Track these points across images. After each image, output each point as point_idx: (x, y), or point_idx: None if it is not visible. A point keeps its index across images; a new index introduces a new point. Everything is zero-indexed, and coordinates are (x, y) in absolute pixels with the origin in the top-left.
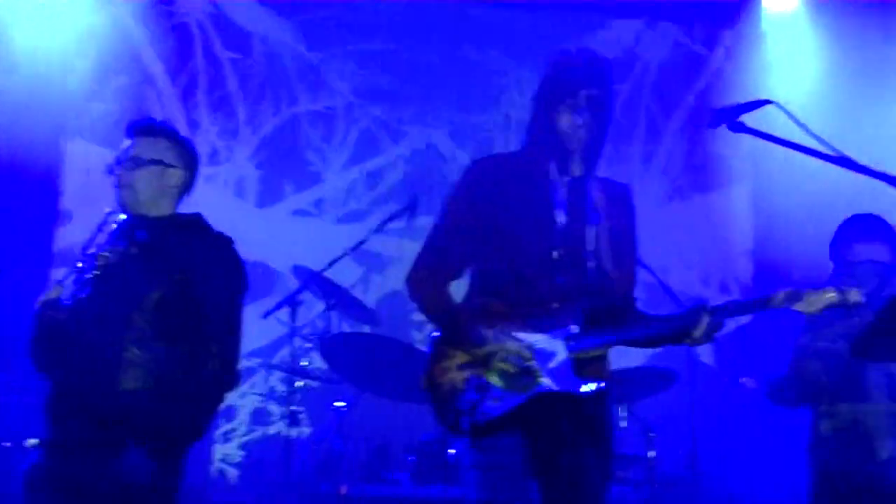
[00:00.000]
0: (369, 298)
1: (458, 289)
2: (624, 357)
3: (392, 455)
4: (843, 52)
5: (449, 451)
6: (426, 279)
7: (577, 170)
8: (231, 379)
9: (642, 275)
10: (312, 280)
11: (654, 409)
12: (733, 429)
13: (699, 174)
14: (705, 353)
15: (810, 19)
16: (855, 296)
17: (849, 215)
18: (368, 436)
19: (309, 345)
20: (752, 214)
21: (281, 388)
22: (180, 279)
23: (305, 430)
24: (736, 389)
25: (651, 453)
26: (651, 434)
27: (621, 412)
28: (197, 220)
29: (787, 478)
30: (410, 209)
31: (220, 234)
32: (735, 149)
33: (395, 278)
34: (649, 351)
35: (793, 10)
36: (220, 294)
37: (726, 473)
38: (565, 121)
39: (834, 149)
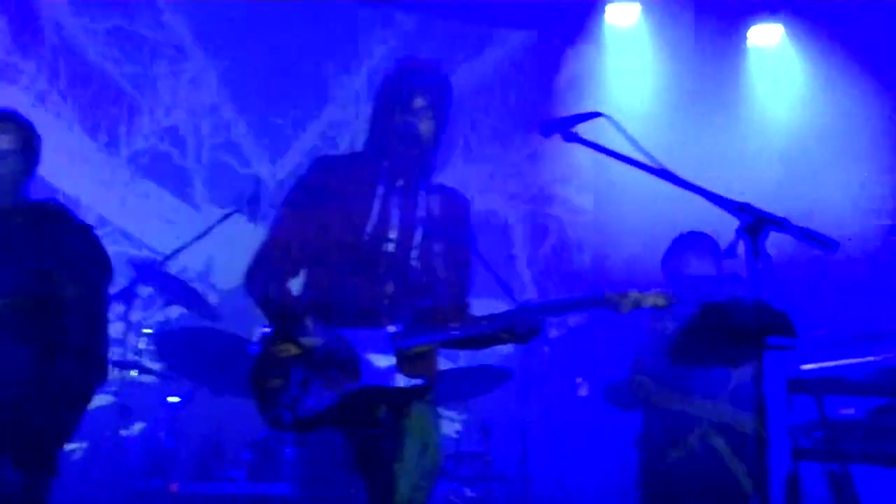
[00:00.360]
0: (215, 292)
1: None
2: (461, 356)
3: (228, 452)
4: (680, 67)
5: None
6: (264, 274)
7: (411, 174)
8: (98, 374)
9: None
10: (149, 273)
11: (488, 407)
12: (564, 426)
13: (544, 178)
14: (539, 352)
15: (650, 34)
16: (661, 300)
17: (677, 224)
18: (205, 432)
19: (144, 340)
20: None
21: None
22: (36, 273)
23: (137, 427)
24: (569, 388)
25: (485, 450)
26: (485, 431)
27: (458, 410)
28: (52, 207)
29: (616, 474)
30: (252, 201)
31: (79, 222)
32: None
33: (240, 272)
34: (487, 350)
35: (633, 25)
36: (81, 286)
37: (556, 470)
38: (401, 127)
39: (657, 162)
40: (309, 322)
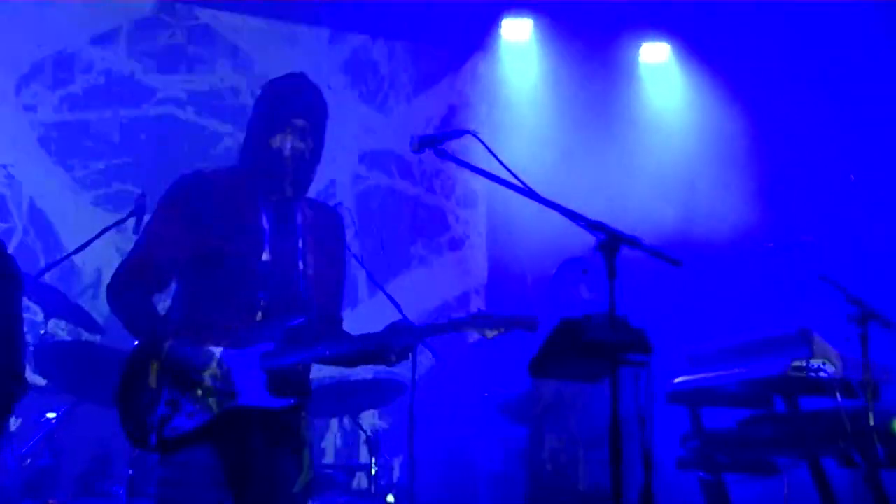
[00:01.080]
0: (101, 304)
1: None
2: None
3: (112, 468)
4: (570, 83)
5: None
6: (127, 288)
7: (287, 191)
8: (15, 387)
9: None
10: (27, 286)
11: (379, 420)
12: (453, 439)
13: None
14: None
15: (541, 50)
16: (532, 324)
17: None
18: (89, 448)
19: None
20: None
21: None
22: None
23: (14, 443)
24: (457, 401)
25: (373, 463)
26: (374, 444)
27: (346, 423)
28: None
29: (504, 487)
30: (138, 213)
31: None
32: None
33: None
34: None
35: (526, 41)
36: None
37: (444, 483)
38: (277, 147)
39: (521, 181)
40: (172, 340)
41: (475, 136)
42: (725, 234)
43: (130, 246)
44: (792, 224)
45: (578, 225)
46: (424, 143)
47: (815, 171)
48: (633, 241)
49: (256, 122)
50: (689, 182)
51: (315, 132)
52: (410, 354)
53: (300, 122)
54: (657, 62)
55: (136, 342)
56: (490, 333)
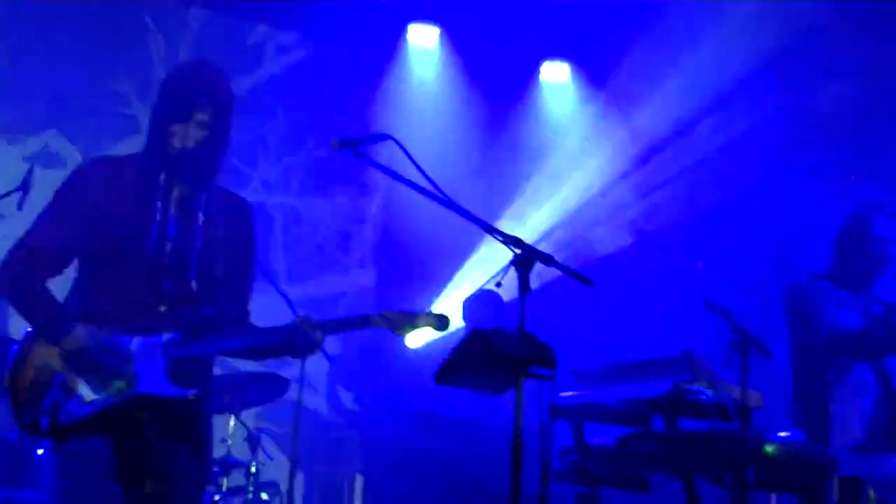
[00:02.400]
0: None
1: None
2: (238, 362)
3: None
4: (472, 94)
5: (38, 451)
6: (18, 272)
7: (191, 181)
8: None
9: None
10: None
11: (261, 417)
12: (337, 437)
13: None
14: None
15: (446, 58)
16: (443, 322)
17: None
18: None
19: None
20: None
21: None
22: None
23: None
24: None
25: (253, 460)
26: (254, 441)
27: (229, 419)
28: None
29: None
30: (24, 188)
31: None
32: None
33: None
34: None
35: (433, 47)
36: None
37: (325, 480)
38: (180, 138)
39: (439, 188)
40: (74, 324)
41: (395, 141)
42: (611, 251)
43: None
44: (672, 245)
45: (495, 238)
46: (344, 144)
47: (702, 195)
48: (547, 259)
49: (159, 111)
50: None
51: (218, 122)
52: (317, 350)
53: (201, 115)
54: (557, 81)
55: (29, 327)
56: (400, 331)
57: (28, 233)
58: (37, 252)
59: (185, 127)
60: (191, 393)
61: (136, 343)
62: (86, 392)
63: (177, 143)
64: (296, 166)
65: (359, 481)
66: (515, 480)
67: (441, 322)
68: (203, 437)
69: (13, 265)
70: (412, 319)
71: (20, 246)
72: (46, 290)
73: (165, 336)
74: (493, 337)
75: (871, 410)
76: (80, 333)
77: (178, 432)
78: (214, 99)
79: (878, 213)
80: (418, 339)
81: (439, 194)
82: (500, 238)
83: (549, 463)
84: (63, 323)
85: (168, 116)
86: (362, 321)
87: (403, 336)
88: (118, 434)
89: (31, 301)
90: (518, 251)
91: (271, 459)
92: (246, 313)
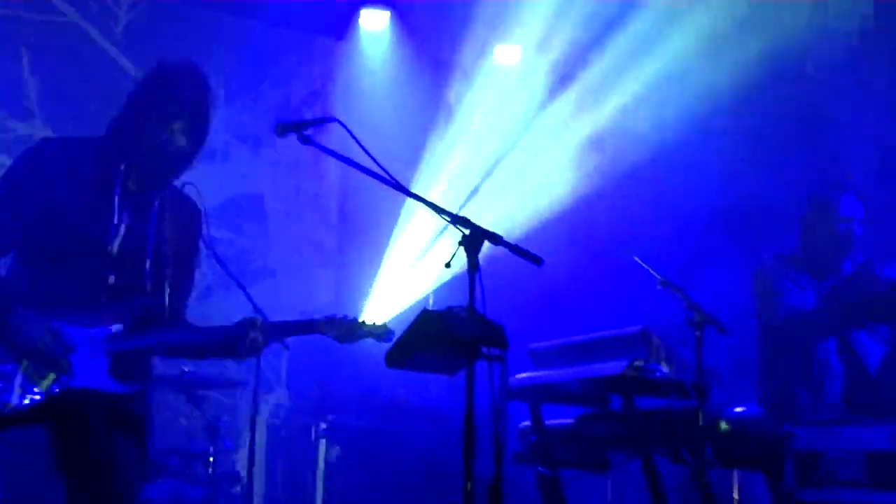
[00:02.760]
0: None
1: None
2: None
3: None
4: (421, 78)
5: None
6: None
7: (149, 176)
8: None
9: None
10: None
11: (218, 406)
12: (297, 427)
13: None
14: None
15: (396, 43)
16: (384, 333)
17: None
18: None
19: None
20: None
21: None
22: None
23: None
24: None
25: (211, 452)
26: (214, 430)
27: (189, 410)
28: None
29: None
30: None
31: None
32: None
33: None
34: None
35: (382, 31)
36: None
37: (285, 469)
38: (152, 142)
39: (386, 171)
40: (18, 316)
41: (341, 124)
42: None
43: None
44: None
45: (443, 219)
46: (289, 128)
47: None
48: (495, 238)
49: (135, 108)
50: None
51: (195, 132)
52: (261, 352)
53: (179, 124)
54: (509, 64)
55: None
56: (344, 339)
57: None
58: None
59: (160, 131)
60: (133, 388)
61: (74, 334)
62: (24, 382)
63: (148, 146)
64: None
65: (321, 469)
66: (468, 462)
67: (387, 335)
68: (144, 427)
69: None
70: (358, 328)
71: None
72: None
73: (109, 329)
74: (444, 318)
75: (839, 385)
76: (17, 320)
77: (120, 423)
78: (195, 108)
79: (841, 192)
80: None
81: (387, 176)
82: (449, 218)
83: (502, 444)
84: (2, 309)
85: (145, 117)
86: (308, 326)
87: (346, 343)
88: (59, 426)
89: None
90: (466, 231)
91: (231, 448)
92: (183, 311)
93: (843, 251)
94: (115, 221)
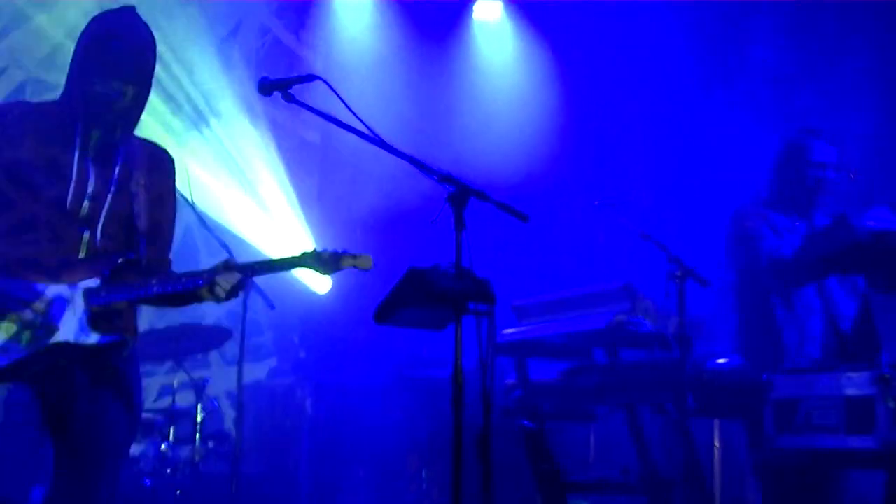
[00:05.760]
0: None
1: None
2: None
3: None
4: (403, 34)
5: None
6: None
7: (108, 133)
8: None
9: None
10: None
11: (204, 365)
12: (283, 386)
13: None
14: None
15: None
16: (366, 261)
17: None
18: None
19: None
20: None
21: None
22: None
23: None
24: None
25: (199, 407)
26: (199, 389)
27: (170, 366)
28: None
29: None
30: None
31: None
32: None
33: None
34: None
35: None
36: None
37: (270, 429)
38: (97, 92)
39: (370, 128)
40: None
41: (325, 82)
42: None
43: None
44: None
45: (428, 177)
46: (273, 86)
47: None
48: (481, 194)
49: (80, 62)
50: (521, 136)
51: (140, 79)
52: (240, 292)
53: (119, 85)
54: (490, 20)
55: None
56: (324, 271)
57: None
58: None
59: (104, 82)
60: (113, 338)
61: (52, 290)
62: (4, 342)
63: (94, 96)
64: None
65: (306, 426)
66: (457, 416)
67: (364, 261)
68: (132, 384)
69: None
70: (334, 259)
71: None
72: None
73: (86, 283)
74: (430, 274)
75: (820, 332)
76: None
77: (105, 380)
78: (137, 56)
79: (814, 138)
80: (325, 285)
81: (370, 134)
82: (434, 175)
83: (490, 398)
84: None
85: (88, 69)
86: (285, 262)
87: (327, 274)
88: (42, 383)
89: None
90: (452, 187)
91: (216, 406)
92: (168, 262)
93: (812, 196)
94: (80, 178)
